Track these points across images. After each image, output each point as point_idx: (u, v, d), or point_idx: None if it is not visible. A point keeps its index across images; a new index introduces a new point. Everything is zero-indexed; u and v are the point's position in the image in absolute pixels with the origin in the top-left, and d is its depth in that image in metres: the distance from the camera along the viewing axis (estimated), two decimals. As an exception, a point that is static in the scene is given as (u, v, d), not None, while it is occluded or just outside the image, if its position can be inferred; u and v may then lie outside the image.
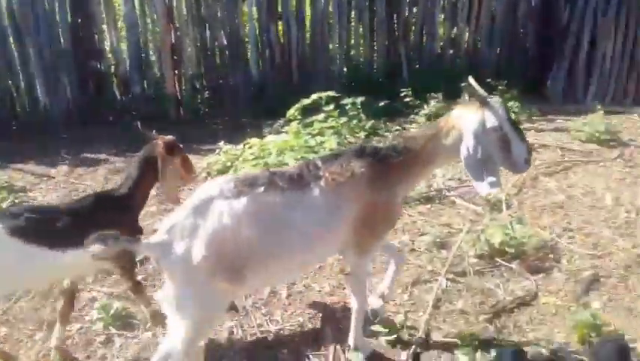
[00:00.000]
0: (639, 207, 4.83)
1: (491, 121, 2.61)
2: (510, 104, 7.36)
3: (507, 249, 4.03)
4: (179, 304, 2.49)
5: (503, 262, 4.00)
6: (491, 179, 2.64)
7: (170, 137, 3.30)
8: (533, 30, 9.29)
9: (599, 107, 7.75)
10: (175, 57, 7.77)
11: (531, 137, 6.71)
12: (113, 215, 3.04)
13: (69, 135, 6.92)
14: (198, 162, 6.14)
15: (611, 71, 8.27)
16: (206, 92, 8.17)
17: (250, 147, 5.56)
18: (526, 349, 3.03)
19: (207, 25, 7.94)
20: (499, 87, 7.61)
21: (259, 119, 7.73)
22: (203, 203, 2.50)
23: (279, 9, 8.18)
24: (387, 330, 3.25)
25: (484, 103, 2.63)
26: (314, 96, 6.24)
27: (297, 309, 3.60)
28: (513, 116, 2.78)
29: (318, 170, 2.69)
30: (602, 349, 2.49)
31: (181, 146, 3.36)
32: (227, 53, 8.06)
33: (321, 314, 3.52)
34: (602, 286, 3.75)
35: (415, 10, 8.84)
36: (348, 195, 2.67)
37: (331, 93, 6.27)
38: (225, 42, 8.02)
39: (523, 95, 7.81)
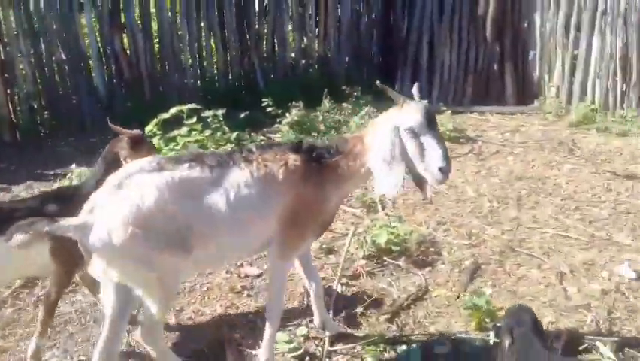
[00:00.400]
0: (499, 196, 5.20)
1: (407, 123, 2.58)
2: (366, 109, 7.62)
3: (393, 247, 4.08)
4: (125, 278, 2.46)
5: (391, 261, 4.04)
6: (393, 181, 2.61)
7: (136, 131, 3.19)
8: (377, 40, 9.75)
9: (444, 108, 8.35)
10: (6, 75, 6.93)
11: (390, 139, 7.01)
12: (68, 211, 2.69)
13: None
14: (47, 189, 5.51)
15: (450, 75, 8.92)
16: (46, 111, 7.38)
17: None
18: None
19: (42, 38, 7.18)
20: (355, 93, 7.85)
21: (110, 138, 7.17)
22: (125, 179, 2.44)
23: (122, 19, 7.68)
24: (291, 345, 3.09)
25: (403, 105, 2.62)
26: (173, 110, 5.92)
27: (189, 338, 3.30)
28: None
29: (251, 154, 2.66)
30: (517, 324, 2.50)
31: (148, 140, 3.37)
32: (66, 68, 7.35)
33: (218, 339, 3.25)
34: (484, 273, 3.94)
35: (265, 20, 8.82)
36: (280, 185, 2.62)
37: (192, 106, 5.99)
38: (64, 56, 7.31)
39: (375, 100, 8.11)
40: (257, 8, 8.75)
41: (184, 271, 2.63)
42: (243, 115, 7.19)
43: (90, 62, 7.56)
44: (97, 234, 2.33)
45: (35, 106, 7.24)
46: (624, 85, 7.53)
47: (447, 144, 6.46)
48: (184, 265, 2.51)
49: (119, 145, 3.13)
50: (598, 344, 3.02)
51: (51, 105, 7.36)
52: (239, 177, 2.58)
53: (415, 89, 2.84)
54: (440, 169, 2.55)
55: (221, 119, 6.39)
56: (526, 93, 8.87)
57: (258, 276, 3.94)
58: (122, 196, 2.38)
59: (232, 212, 2.52)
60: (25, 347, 3.12)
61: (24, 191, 5.53)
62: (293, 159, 2.68)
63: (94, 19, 7.65)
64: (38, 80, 7.23)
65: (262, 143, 3.02)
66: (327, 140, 3.02)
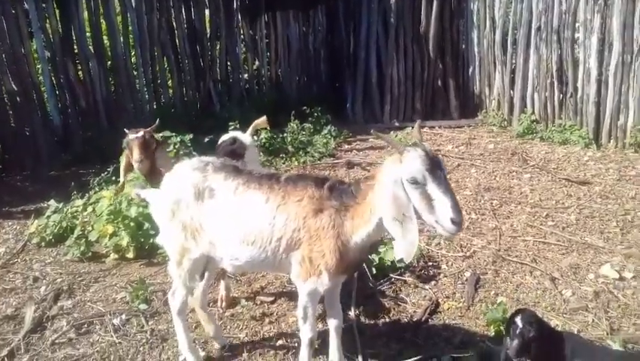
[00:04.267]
0: (475, 208, 5.53)
1: (408, 174, 2.45)
2: (328, 128, 7.83)
3: (398, 264, 4.26)
4: (161, 234, 3.18)
5: (397, 277, 4.23)
6: (409, 242, 2.51)
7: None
8: (325, 59, 10.00)
9: (397, 123, 8.74)
10: (-46, 108, 6.58)
11: (355, 157, 7.25)
12: None
13: None
14: (22, 228, 5.32)
15: (399, 92, 9.29)
16: (-2, 145, 7.06)
17: (96, 202, 4.96)
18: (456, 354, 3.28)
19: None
20: (315, 113, 8.04)
21: (67, 169, 6.99)
22: (180, 170, 3.09)
23: (75, 47, 7.47)
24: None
25: (401, 153, 2.51)
26: (149, 138, 5.84)
27: (226, 369, 3.33)
28: (420, 165, 2.44)
29: (277, 183, 2.87)
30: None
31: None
32: (18, 99, 7.04)
33: (255, 368, 3.31)
34: (485, 283, 4.20)
35: (217, 44, 8.84)
36: (290, 215, 2.79)
37: (167, 133, 5.96)
38: (15, 87, 6.99)
39: (334, 119, 8.36)
40: (209, 32, 8.76)
41: (197, 258, 3.04)
42: (207, 139, 7.16)
43: (44, 92, 7.30)
44: (152, 204, 3.19)
45: (-14, 140, 6.93)
46: (561, 95, 8.15)
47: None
48: (195, 251, 3.01)
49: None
50: (609, 342, 3.34)
51: (3, 138, 7.04)
52: (256, 199, 2.85)
53: (415, 128, 2.81)
54: (452, 221, 2.37)
55: (190, 144, 6.39)
56: (469, 106, 9.42)
57: (273, 302, 4.01)
58: (172, 181, 3.07)
59: (238, 225, 2.85)
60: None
61: (-5, 230, 5.31)
62: (311, 193, 2.79)
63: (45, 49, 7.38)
64: (-12, 113, 6.92)
65: (293, 173, 3.07)
66: (350, 181, 3.00)
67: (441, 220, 2.41)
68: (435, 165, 2.46)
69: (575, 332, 3.50)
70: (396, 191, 2.50)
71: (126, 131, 4.26)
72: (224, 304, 3.98)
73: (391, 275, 4.24)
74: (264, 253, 2.87)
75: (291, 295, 4.03)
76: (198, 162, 3.07)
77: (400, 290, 4.12)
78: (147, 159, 4.14)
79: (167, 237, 3.12)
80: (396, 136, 7.67)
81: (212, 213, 2.93)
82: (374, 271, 4.20)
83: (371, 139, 7.97)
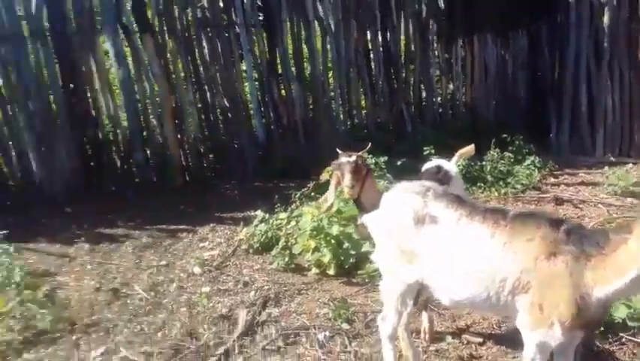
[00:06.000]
0: None
1: None
2: (531, 159, 7.30)
3: (630, 323, 3.69)
4: (377, 252, 3.18)
5: (630, 338, 3.66)
6: None
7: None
8: (524, 84, 9.43)
9: (612, 158, 7.88)
10: (176, 121, 7.24)
11: (564, 192, 6.64)
12: None
13: (73, 209, 6.14)
14: (231, 233, 5.62)
15: (614, 123, 8.39)
16: (211, 155, 7.64)
17: (298, 216, 5.09)
18: None
19: (206, 87, 7.47)
20: (516, 142, 7.56)
21: (270, 182, 7.28)
22: (400, 191, 3.04)
23: (279, 69, 7.87)
24: None
25: None
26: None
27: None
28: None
29: (503, 219, 2.67)
30: None
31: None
32: (229, 115, 7.58)
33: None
34: None
35: (411, 67, 8.77)
36: (517, 255, 2.57)
37: (364, 154, 5.94)
38: (227, 104, 7.54)
39: (538, 149, 7.79)
40: (403, 55, 8.73)
41: (411, 283, 2.95)
42: (399, 162, 7.05)
43: (251, 109, 7.79)
44: (372, 222, 3.15)
45: (202, 150, 7.53)
46: None
47: (633, 200, 6.03)
48: (409, 276, 2.92)
49: None
50: None
51: (215, 150, 7.62)
52: (480, 233, 2.67)
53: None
54: None
55: (384, 166, 6.33)
56: None
57: (482, 344, 3.71)
58: (392, 202, 3.04)
59: (459, 258, 2.70)
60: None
61: (210, 233, 5.66)
62: (544, 233, 2.53)
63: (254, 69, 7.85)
64: (204, 125, 7.53)
65: (522, 210, 2.81)
66: (587, 229, 2.65)
67: None
68: None
69: None
70: None
71: (339, 151, 4.24)
72: (427, 336, 3.78)
73: (622, 335, 3.68)
74: (486, 291, 2.66)
75: (503, 339, 3.71)
76: (419, 187, 2.99)
77: (634, 354, 3.57)
78: (358, 184, 4.06)
79: (382, 256, 3.10)
80: (613, 173, 6.87)
81: (430, 241, 2.81)
82: (600, 328, 3.69)
83: (581, 173, 7.27)
